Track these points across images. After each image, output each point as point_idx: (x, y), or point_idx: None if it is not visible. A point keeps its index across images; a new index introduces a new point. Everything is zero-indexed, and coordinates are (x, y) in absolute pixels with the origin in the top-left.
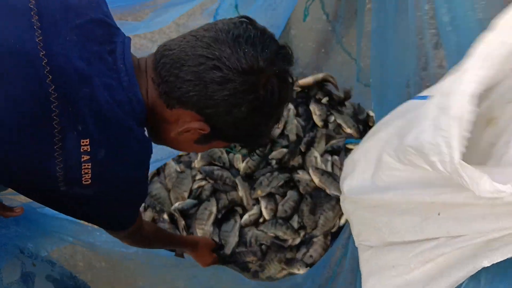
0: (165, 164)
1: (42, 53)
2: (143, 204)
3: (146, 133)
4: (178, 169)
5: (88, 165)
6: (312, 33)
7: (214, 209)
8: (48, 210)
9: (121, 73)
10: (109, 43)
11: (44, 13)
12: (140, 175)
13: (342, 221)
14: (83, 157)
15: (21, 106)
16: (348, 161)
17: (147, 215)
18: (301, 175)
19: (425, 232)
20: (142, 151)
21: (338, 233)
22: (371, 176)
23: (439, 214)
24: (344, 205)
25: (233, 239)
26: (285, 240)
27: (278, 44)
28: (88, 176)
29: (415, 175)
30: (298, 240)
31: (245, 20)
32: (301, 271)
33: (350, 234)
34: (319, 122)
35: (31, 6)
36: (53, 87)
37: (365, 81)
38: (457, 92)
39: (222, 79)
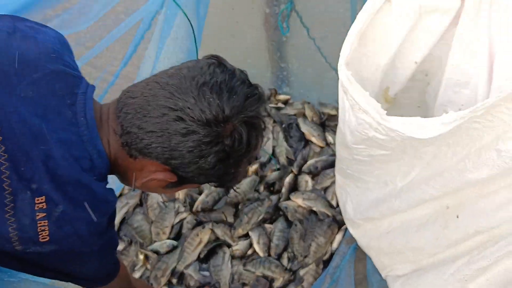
0: (147, 194)
1: None
2: (123, 243)
3: (108, 185)
4: (161, 200)
5: (44, 222)
6: (294, 50)
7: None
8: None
9: (81, 127)
10: (69, 95)
11: None
12: (102, 229)
13: (335, 245)
14: (38, 215)
15: None
16: (339, 189)
17: (130, 250)
18: (287, 202)
19: (451, 239)
20: (102, 206)
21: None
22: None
23: (458, 217)
24: (357, 237)
25: (227, 273)
26: (273, 280)
27: (248, 87)
28: (46, 233)
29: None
30: (286, 278)
31: (214, 61)
32: None
33: (340, 263)
34: (321, 143)
35: None
36: (3, 148)
37: None
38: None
39: (186, 131)
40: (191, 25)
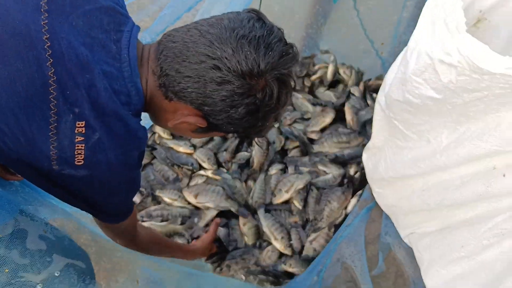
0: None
1: (45, 36)
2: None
3: (142, 122)
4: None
5: (81, 146)
6: (338, 16)
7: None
8: None
9: (124, 63)
10: (115, 32)
11: None
12: (132, 162)
13: (349, 208)
14: (77, 138)
15: (19, 87)
16: (370, 151)
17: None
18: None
19: (493, 197)
20: (135, 141)
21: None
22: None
23: (504, 176)
24: (383, 196)
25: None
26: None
27: (284, 45)
28: (81, 157)
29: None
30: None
31: (253, 15)
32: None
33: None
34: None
35: None
36: (53, 70)
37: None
38: None
39: (221, 80)
40: None
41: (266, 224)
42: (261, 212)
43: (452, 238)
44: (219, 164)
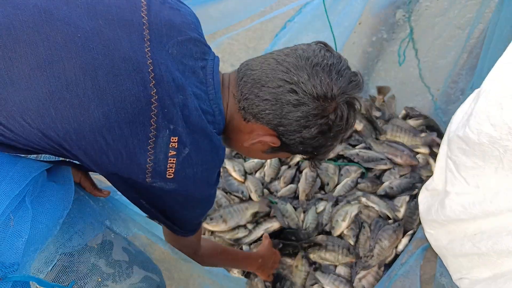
0: None
1: (149, 61)
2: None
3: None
4: None
5: (173, 160)
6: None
7: None
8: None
9: (209, 87)
10: (201, 60)
11: (153, 28)
12: (213, 179)
13: (400, 247)
14: (170, 152)
15: (127, 104)
16: (425, 192)
17: None
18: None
19: None
20: (217, 156)
21: (391, 265)
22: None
23: None
24: (435, 237)
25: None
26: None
27: (351, 72)
28: (172, 170)
29: None
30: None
31: (322, 46)
32: None
33: (407, 260)
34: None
35: (144, 21)
36: (155, 90)
37: (441, 114)
38: None
39: (297, 102)
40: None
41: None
42: (318, 274)
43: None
44: (270, 193)
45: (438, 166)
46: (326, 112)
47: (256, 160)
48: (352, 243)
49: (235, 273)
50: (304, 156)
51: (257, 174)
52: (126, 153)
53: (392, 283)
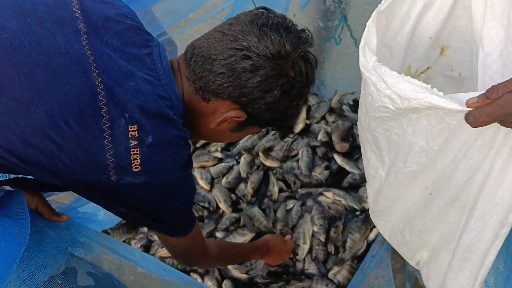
0: None
1: (88, 52)
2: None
3: None
4: None
5: (136, 151)
6: (341, 57)
7: None
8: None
9: (160, 72)
10: (145, 47)
11: (89, 22)
12: (184, 162)
13: (372, 236)
14: (132, 142)
15: (71, 98)
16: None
17: None
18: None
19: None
20: (183, 140)
21: (364, 256)
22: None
23: (431, 194)
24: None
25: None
26: None
27: (299, 29)
28: (137, 162)
29: None
30: None
31: (263, 10)
32: None
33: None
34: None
35: (77, 16)
36: (100, 79)
37: None
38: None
39: (253, 67)
40: None
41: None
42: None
43: (437, 264)
44: (238, 198)
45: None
46: (284, 71)
47: (222, 164)
48: (322, 240)
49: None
50: (274, 128)
51: (224, 179)
52: (81, 152)
53: (366, 276)
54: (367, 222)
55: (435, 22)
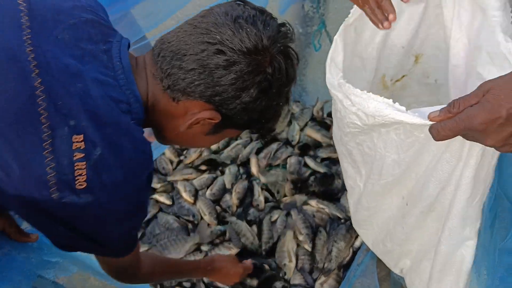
0: None
1: (29, 49)
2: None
3: (147, 134)
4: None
5: (82, 165)
6: (321, 64)
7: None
8: None
9: (118, 71)
10: (104, 43)
11: (35, 15)
12: (141, 183)
13: (357, 244)
14: (76, 155)
15: (2, 102)
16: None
17: None
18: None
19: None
20: (143, 153)
21: (350, 264)
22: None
23: (407, 204)
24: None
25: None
26: None
27: (278, 22)
28: (83, 178)
29: None
30: None
31: (241, 2)
32: None
33: (362, 260)
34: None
35: (21, 8)
36: (40, 80)
37: None
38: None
39: (227, 63)
40: None
41: None
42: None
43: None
44: (223, 210)
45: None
46: (261, 67)
47: (206, 176)
48: (309, 249)
49: None
50: (254, 131)
51: (209, 191)
52: (18, 164)
53: (352, 285)
54: (351, 230)
55: (406, 31)
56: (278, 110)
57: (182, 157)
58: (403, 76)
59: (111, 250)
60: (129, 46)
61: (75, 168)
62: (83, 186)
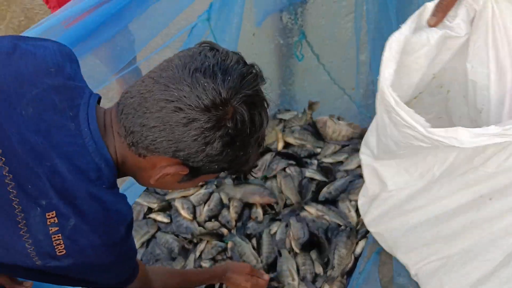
0: None
1: None
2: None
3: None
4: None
5: (58, 236)
6: (307, 72)
7: None
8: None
9: (86, 138)
10: (71, 108)
11: None
12: (118, 238)
13: (358, 250)
14: (51, 229)
15: None
16: (362, 198)
17: None
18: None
19: (484, 221)
20: (115, 213)
21: (353, 271)
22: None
23: (490, 199)
24: (382, 239)
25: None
26: None
27: (243, 66)
28: (62, 247)
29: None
30: None
31: (205, 46)
32: None
33: (364, 267)
34: None
35: None
36: (7, 169)
37: (363, 111)
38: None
39: (187, 120)
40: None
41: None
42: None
43: (457, 270)
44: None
45: (366, 172)
46: (222, 121)
47: (202, 191)
48: (298, 251)
49: None
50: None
51: (206, 207)
52: (1, 244)
53: None
54: (352, 236)
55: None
56: (249, 157)
57: None
58: (420, 93)
59: (114, 284)
60: (99, 101)
61: (53, 239)
62: (63, 253)
